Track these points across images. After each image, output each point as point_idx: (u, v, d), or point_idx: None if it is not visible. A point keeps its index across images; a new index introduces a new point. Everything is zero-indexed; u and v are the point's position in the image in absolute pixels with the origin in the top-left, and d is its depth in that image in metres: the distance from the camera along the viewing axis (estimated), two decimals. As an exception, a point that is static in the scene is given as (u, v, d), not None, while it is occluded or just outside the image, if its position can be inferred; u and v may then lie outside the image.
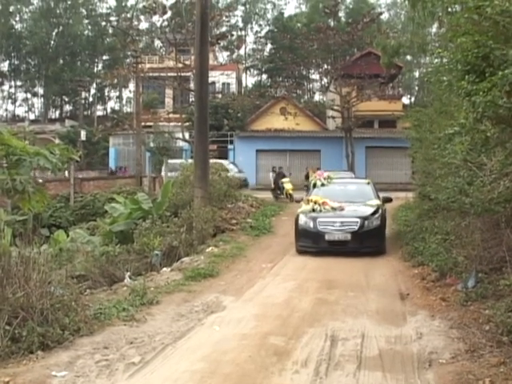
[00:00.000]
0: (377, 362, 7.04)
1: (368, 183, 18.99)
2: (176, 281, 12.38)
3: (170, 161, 35.17)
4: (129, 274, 13.41)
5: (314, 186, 18.79)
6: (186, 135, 40.98)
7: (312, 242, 16.01)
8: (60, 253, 17.03)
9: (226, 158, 43.12)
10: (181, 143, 45.66)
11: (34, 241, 9.12)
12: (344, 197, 17.39)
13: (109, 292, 11.75)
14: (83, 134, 51.79)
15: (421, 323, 8.84)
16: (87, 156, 53.88)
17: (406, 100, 65.72)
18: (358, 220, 15.84)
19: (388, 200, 17.95)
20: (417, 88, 75.44)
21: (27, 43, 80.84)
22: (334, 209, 16.51)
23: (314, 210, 16.56)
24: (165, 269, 14.22)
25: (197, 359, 7.19)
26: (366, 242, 15.68)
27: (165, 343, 7.94)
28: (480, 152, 8.74)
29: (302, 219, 16.46)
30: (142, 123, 45.45)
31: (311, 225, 16.11)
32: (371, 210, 16.45)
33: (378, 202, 17.13)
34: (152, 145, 48.33)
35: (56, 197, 36.88)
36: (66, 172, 39.10)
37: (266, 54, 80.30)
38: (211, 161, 36.30)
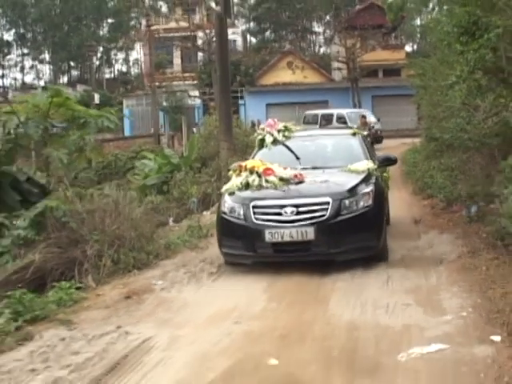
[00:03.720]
0: (400, 263, 9.07)
1: (354, 134, 11.16)
2: (219, 219, 14.30)
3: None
4: (172, 218, 15.39)
5: (261, 144, 10.85)
6: (197, 93, 42.53)
7: (243, 247, 8.97)
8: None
9: (237, 113, 44.73)
10: (193, 101, 47.30)
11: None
12: (311, 160, 10.29)
13: (164, 230, 13.72)
14: (97, 98, 53.34)
15: (432, 238, 10.88)
16: (102, 118, 55.38)
17: (408, 48, 67.00)
18: (330, 200, 8.65)
19: (390, 161, 10.95)
20: (419, 35, 76.26)
21: (32, 11, 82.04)
22: (284, 181, 9.21)
23: (248, 186, 9.27)
24: (205, 212, 16.09)
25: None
26: (346, 240, 8.65)
27: (238, 261, 9.69)
28: (475, 96, 10.94)
29: (226, 204, 9.30)
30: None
31: (241, 213, 8.95)
32: (356, 179, 9.23)
33: (370, 164, 9.77)
34: (165, 104, 50.01)
35: (78, 158, 38.39)
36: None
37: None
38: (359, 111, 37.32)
